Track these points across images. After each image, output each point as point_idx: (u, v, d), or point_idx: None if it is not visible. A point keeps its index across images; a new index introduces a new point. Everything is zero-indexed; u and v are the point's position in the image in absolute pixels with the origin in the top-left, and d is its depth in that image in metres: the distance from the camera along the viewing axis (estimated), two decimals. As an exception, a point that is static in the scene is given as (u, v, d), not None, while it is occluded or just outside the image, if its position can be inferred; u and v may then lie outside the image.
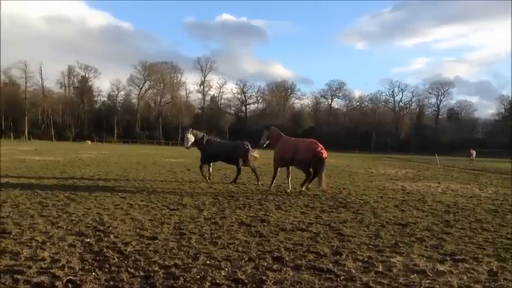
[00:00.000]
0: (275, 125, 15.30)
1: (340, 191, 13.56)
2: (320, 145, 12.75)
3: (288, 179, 13.52)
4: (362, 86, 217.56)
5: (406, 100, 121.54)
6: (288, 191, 12.90)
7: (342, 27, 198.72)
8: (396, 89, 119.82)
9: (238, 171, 15.26)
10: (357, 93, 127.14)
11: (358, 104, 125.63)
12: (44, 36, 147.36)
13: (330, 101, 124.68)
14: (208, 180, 15.24)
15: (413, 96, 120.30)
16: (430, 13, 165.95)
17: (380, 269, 5.32)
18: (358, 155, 67.67)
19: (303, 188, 12.93)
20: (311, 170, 12.86)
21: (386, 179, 19.46)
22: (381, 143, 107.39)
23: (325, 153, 12.67)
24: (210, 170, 15.89)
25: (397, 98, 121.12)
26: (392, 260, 5.73)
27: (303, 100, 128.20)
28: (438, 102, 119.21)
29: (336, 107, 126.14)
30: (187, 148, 15.97)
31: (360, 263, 5.54)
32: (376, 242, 6.73)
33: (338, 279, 4.86)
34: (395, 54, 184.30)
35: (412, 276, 5.08)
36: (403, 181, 18.36)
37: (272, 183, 13.47)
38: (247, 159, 15.04)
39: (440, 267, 5.42)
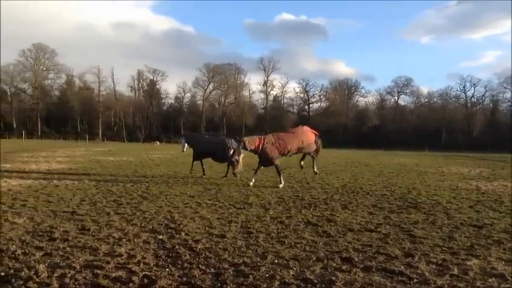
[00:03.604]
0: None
1: (409, 191, 13.13)
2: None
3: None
4: (428, 82, 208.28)
5: (478, 95, 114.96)
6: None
7: (405, 21, 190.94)
8: (468, 84, 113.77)
9: (232, 164, 15.72)
10: (423, 90, 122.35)
11: (426, 100, 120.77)
12: (112, 42, 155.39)
13: (396, 98, 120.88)
14: (204, 176, 16.12)
15: (486, 91, 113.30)
16: (498, 4, 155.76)
17: (455, 272, 5.10)
18: (428, 153, 65.00)
19: (316, 169, 15.65)
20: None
21: (459, 178, 18.56)
22: (452, 140, 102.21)
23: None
24: (203, 166, 16.64)
25: (469, 94, 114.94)
26: (468, 263, 5.49)
27: (367, 98, 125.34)
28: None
29: (403, 104, 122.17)
30: (183, 151, 17.30)
31: (434, 266, 5.34)
32: (450, 244, 6.46)
33: (411, 282, 4.71)
34: (464, 47, 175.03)
35: (490, 280, 4.84)
36: (477, 180, 17.43)
37: (281, 178, 13.98)
38: (230, 155, 15.28)
39: (522, 272, 5.11)
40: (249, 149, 13.78)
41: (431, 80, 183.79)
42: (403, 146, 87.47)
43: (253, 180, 13.94)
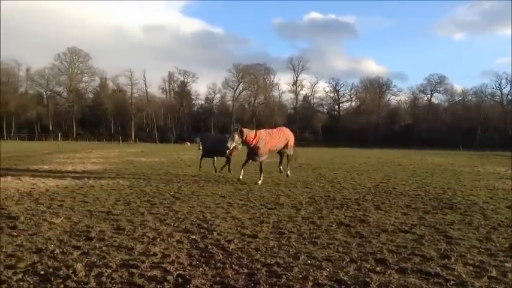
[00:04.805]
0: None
1: (444, 191, 12.84)
2: None
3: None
4: (461, 80, 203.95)
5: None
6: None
7: (437, 18, 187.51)
8: (504, 81, 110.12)
9: (228, 161, 17.12)
10: (457, 87, 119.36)
11: (460, 98, 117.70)
12: (143, 44, 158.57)
13: (429, 96, 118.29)
14: (216, 173, 16.93)
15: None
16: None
17: (493, 274, 4.96)
18: (462, 152, 63.39)
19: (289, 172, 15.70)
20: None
21: (496, 178, 18.02)
22: (487, 139, 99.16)
23: None
24: (214, 164, 17.56)
25: (505, 91, 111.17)
26: (507, 264, 5.34)
27: (399, 96, 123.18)
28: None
29: (436, 102, 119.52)
30: (199, 149, 18.14)
31: (471, 268, 5.21)
32: (487, 245, 6.29)
33: (448, 284, 4.61)
34: (498, 43, 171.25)
35: (530, 282, 4.68)
36: (515, 180, 16.88)
37: (261, 175, 14.46)
38: (228, 152, 15.87)
39: None
40: (243, 138, 13.91)
41: (465, 78, 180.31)
42: (436, 145, 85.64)
43: (242, 173, 14.61)
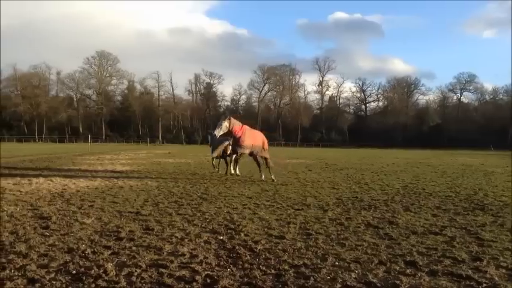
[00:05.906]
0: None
1: (475, 192, 12.55)
2: None
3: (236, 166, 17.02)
4: (492, 78, 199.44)
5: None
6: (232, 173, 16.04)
7: (465, 16, 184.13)
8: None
9: (235, 161, 17.74)
10: (486, 86, 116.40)
11: (491, 97, 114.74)
12: (170, 47, 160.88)
13: (459, 95, 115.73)
14: (215, 170, 18.30)
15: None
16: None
17: (528, 277, 4.82)
18: (493, 152, 61.74)
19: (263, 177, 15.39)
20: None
21: (530, 178, 17.48)
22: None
23: None
24: (214, 163, 18.69)
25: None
26: (541, 268, 5.16)
27: (427, 96, 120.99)
28: None
29: (466, 101, 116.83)
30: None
31: (504, 270, 5.07)
32: (521, 248, 6.10)
33: (480, 287, 4.50)
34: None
35: None
36: (550, 181, 16.33)
37: (232, 168, 16.20)
38: (227, 152, 16.51)
39: None
40: (229, 128, 13.97)
41: (496, 76, 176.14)
42: (466, 145, 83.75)
43: (237, 170, 16.35)
